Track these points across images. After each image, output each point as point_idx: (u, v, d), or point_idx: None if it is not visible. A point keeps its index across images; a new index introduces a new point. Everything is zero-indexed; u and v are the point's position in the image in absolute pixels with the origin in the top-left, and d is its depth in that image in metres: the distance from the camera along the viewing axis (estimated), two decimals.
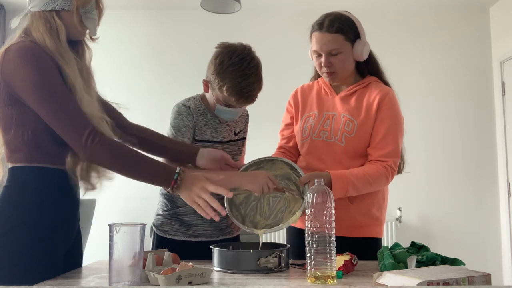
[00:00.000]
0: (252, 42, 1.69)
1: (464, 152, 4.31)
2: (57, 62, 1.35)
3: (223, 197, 1.58)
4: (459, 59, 4.40)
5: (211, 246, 1.47)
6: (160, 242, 1.74)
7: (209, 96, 1.73)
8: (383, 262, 1.38)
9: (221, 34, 2.43)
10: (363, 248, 1.66)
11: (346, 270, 1.36)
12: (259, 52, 1.69)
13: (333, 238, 1.25)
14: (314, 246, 1.24)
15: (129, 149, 1.41)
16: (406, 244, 1.52)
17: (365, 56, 1.81)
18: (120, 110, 1.65)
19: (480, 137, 4.34)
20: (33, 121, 1.34)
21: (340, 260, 1.38)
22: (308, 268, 1.25)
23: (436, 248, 1.81)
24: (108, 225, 1.19)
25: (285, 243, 1.63)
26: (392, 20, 4.41)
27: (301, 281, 1.28)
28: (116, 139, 1.46)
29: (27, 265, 1.29)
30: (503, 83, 4.24)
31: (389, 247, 1.46)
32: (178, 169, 1.40)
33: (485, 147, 4.32)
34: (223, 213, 1.42)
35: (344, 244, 1.51)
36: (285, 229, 1.76)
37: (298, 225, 1.80)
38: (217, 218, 1.42)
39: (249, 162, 1.73)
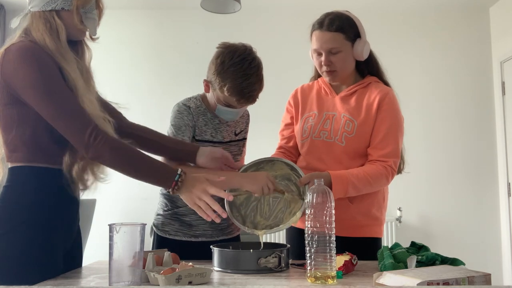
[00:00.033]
0: (252, 42, 1.69)
1: (464, 152, 4.31)
2: (57, 62, 1.35)
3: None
4: (459, 59, 4.40)
5: (211, 246, 1.47)
6: (160, 242, 1.74)
7: (210, 96, 1.73)
8: (383, 262, 1.38)
9: (221, 34, 2.43)
10: (363, 248, 1.66)
11: (346, 270, 1.36)
12: (259, 52, 1.68)
13: (333, 238, 1.25)
14: (314, 246, 1.24)
15: (132, 148, 1.41)
16: (406, 244, 1.52)
17: (365, 56, 1.81)
18: (120, 110, 1.65)
19: (480, 137, 4.33)
20: (33, 121, 1.34)
21: (340, 260, 1.38)
22: (308, 268, 1.25)
23: (436, 248, 1.81)
24: (108, 225, 1.19)
25: (285, 243, 1.63)
26: (392, 20, 4.41)
27: (301, 281, 1.28)
28: (118, 138, 1.46)
29: (27, 265, 1.29)
30: (503, 83, 4.24)
31: (389, 247, 1.45)
32: (179, 170, 1.40)
33: (485, 147, 4.32)
34: (224, 215, 1.42)
35: (344, 244, 1.51)
36: (285, 229, 1.76)
37: (298, 225, 1.80)
38: (218, 220, 1.42)
39: (249, 163, 1.73)
